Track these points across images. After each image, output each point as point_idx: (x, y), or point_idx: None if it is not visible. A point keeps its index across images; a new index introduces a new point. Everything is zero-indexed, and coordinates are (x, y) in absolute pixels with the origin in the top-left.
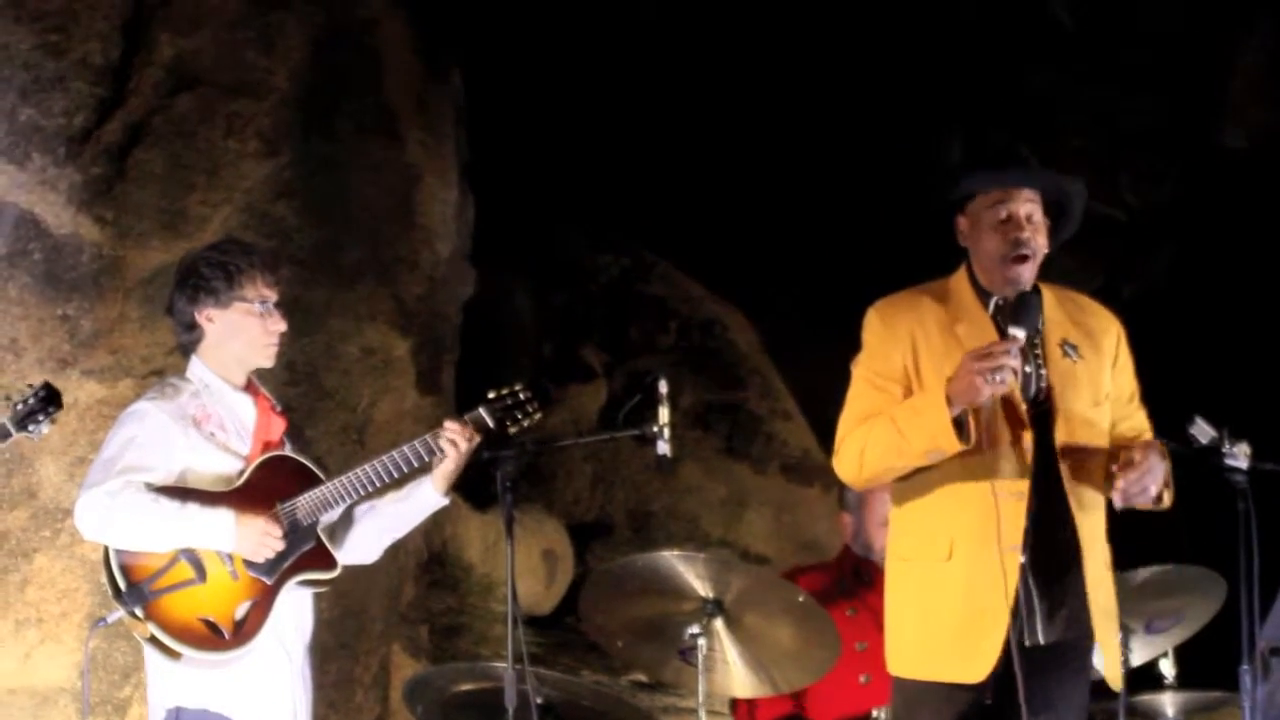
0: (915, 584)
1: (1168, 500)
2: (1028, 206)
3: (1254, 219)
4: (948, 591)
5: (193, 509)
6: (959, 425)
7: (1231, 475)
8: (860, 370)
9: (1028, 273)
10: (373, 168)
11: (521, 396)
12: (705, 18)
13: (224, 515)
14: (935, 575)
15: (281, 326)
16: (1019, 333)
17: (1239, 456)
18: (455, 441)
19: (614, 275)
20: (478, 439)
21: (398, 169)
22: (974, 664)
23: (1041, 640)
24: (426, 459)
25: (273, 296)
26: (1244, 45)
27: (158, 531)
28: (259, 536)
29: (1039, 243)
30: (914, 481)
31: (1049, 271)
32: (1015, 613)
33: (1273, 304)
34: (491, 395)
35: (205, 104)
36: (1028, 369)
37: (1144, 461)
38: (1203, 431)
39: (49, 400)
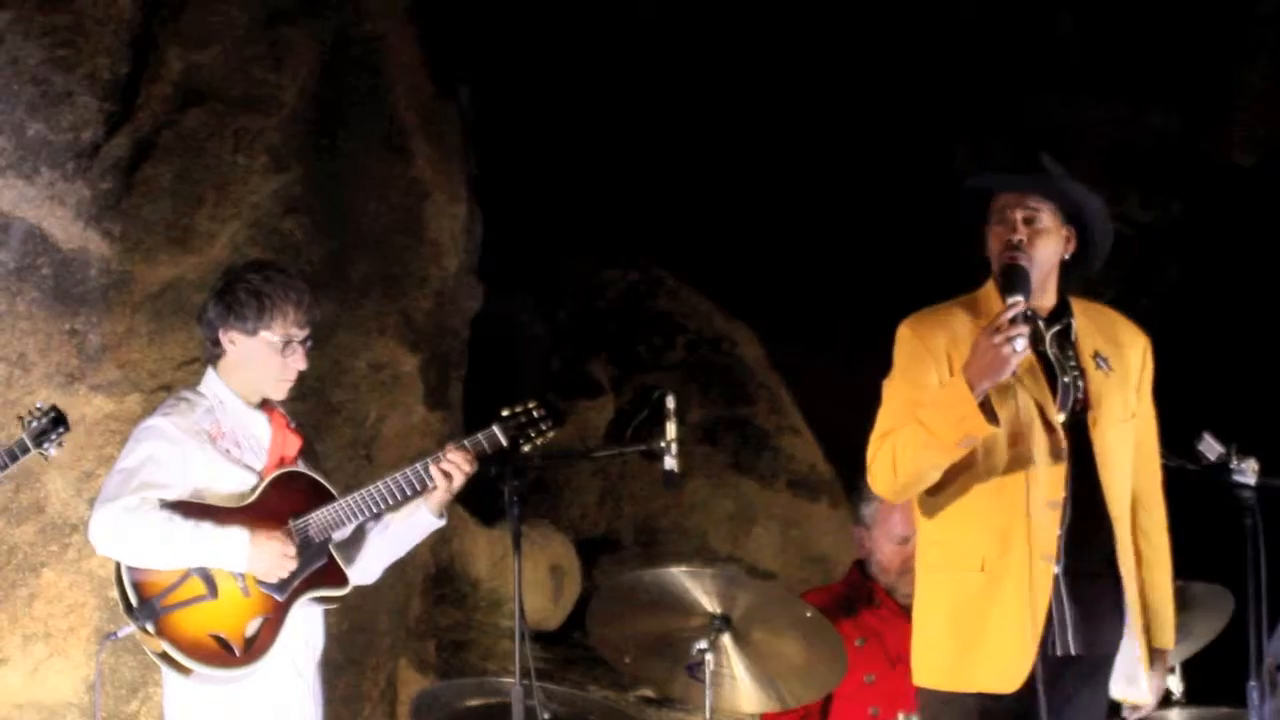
0: (947, 594)
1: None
2: (1027, 211)
3: (1262, 235)
4: (981, 601)
5: (207, 528)
6: (985, 409)
7: (1239, 491)
8: (893, 388)
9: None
10: (381, 183)
11: (535, 414)
12: (715, 34)
13: (238, 535)
14: (968, 585)
15: (301, 365)
16: (1018, 298)
17: (1247, 472)
18: (450, 473)
19: (622, 290)
20: (475, 467)
21: (406, 184)
22: (1007, 674)
23: (1073, 650)
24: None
25: (300, 334)
26: (1252, 64)
27: (171, 550)
28: (274, 558)
29: (1040, 250)
30: (946, 493)
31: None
32: (1048, 623)
33: None
34: (505, 413)
35: (214, 119)
36: (1065, 379)
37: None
38: (1210, 447)
39: (58, 421)
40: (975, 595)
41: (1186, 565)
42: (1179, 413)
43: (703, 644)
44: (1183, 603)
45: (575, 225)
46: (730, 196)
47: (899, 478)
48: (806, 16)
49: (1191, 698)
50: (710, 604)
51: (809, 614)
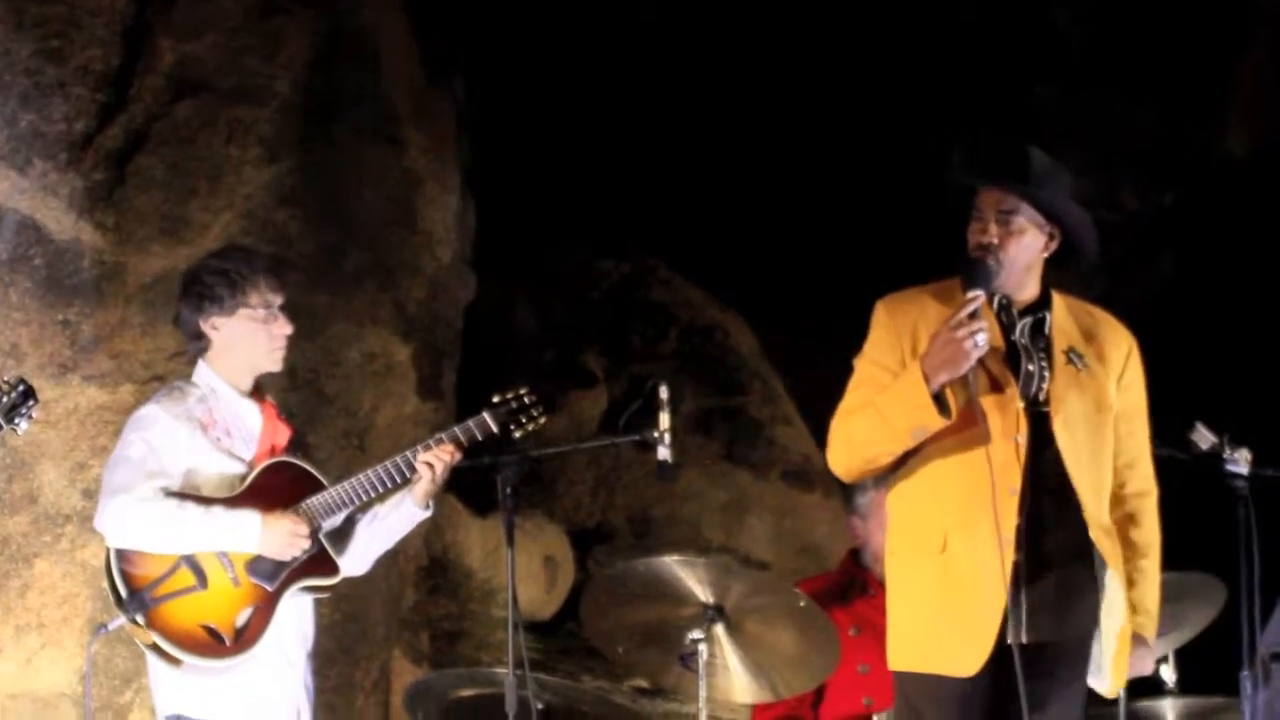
0: (910, 577)
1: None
2: (1003, 210)
3: (1255, 226)
4: (941, 583)
5: (218, 512)
6: (939, 401)
7: (1232, 481)
8: (861, 363)
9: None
10: (374, 173)
11: (526, 400)
12: (708, 25)
13: (250, 517)
14: (929, 567)
15: (288, 329)
16: (977, 292)
17: (1240, 462)
18: (432, 464)
19: (615, 281)
20: (458, 458)
21: (399, 175)
22: (967, 656)
23: (1025, 639)
24: None
25: (277, 300)
26: (1245, 54)
27: (185, 536)
28: (287, 536)
29: (1013, 249)
30: (909, 477)
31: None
32: (1006, 609)
33: (1274, 310)
34: (496, 399)
35: (206, 110)
36: (1030, 367)
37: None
38: (1203, 437)
39: (28, 394)
40: (936, 576)
41: (1179, 555)
42: (1171, 403)
43: (696, 634)
44: (1175, 593)
45: (568, 215)
46: (724, 186)
47: (852, 459)
48: (800, 7)
49: (1184, 687)
50: (703, 593)
51: (802, 603)
